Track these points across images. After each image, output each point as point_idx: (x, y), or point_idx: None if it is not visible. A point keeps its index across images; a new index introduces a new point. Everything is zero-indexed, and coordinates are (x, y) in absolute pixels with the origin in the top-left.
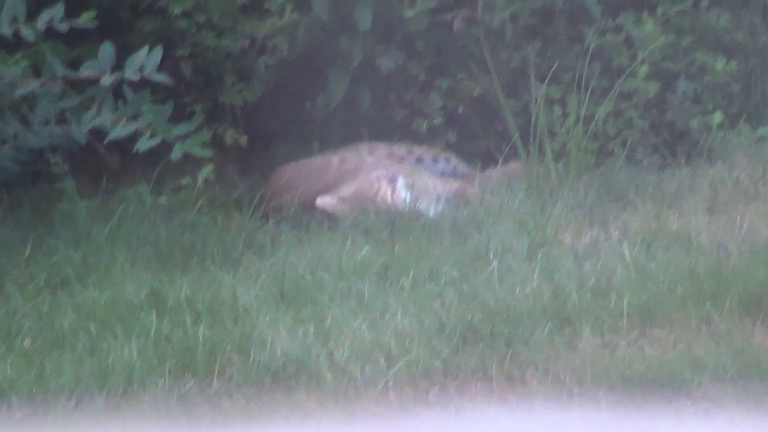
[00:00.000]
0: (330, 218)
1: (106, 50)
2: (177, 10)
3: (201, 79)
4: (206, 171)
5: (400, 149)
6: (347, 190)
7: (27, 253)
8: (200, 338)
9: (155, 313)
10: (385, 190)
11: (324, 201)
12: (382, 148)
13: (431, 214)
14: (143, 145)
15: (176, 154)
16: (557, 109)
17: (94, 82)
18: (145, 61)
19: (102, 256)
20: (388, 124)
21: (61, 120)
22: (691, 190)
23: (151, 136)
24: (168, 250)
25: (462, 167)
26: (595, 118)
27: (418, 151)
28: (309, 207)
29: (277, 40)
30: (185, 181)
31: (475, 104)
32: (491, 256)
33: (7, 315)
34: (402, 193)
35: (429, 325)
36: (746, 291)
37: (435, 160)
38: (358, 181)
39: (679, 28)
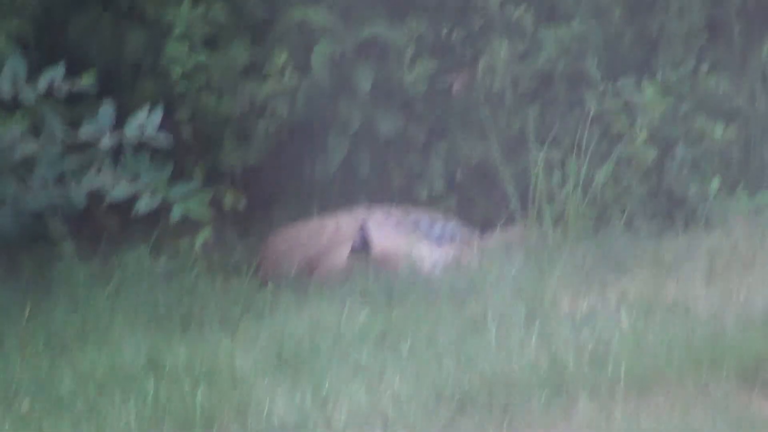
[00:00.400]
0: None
1: (106, 110)
2: (177, 73)
3: (200, 142)
4: (204, 234)
5: (397, 212)
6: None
7: (26, 316)
8: (198, 403)
9: (153, 378)
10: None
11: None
12: (379, 212)
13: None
14: (143, 206)
15: (176, 214)
16: (557, 174)
17: (93, 143)
18: (146, 121)
19: (101, 320)
20: (388, 189)
21: (61, 182)
22: (688, 258)
23: (151, 197)
24: (166, 314)
25: (460, 231)
26: (594, 183)
27: (415, 214)
28: (306, 271)
29: (277, 104)
30: (184, 244)
31: (474, 169)
32: (489, 322)
33: (5, 378)
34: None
35: (426, 391)
36: (744, 359)
37: (432, 224)
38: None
39: (679, 93)
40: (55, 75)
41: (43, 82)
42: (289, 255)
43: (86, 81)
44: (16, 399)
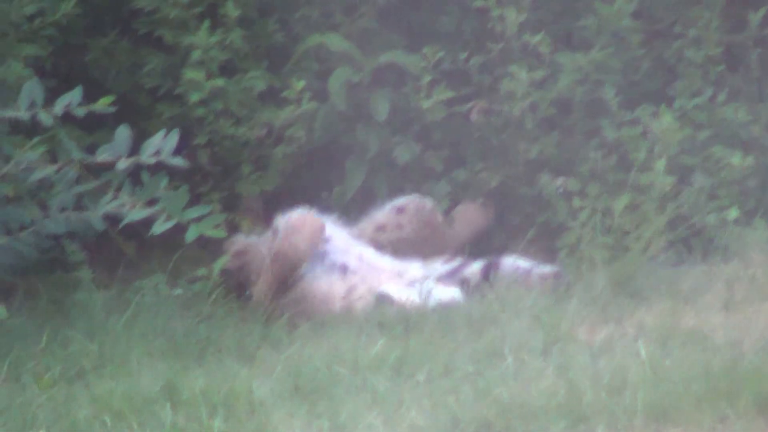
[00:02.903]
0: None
1: (123, 133)
2: (194, 98)
3: (218, 168)
4: (222, 262)
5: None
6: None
7: (43, 344)
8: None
9: (170, 406)
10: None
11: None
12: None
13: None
14: (158, 228)
15: (191, 236)
16: (576, 202)
17: (110, 167)
18: (162, 145)
19: (118, 348)
20: None
21: (79, 206)
22: (706, 287)
23: (166, 219)
24: (184, 342)
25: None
26: (612, 211)
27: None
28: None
29: (295, 130)
30: (201, 271)
31: (492, 196)
32: (506, 351)
33: (22, 406)
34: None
35: (443, 420)
36: (762, 390)
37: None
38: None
39: (696, 122)
40: (72, 98)
41: (59, 106)
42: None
43: (103, 104)
44: (33, 426)
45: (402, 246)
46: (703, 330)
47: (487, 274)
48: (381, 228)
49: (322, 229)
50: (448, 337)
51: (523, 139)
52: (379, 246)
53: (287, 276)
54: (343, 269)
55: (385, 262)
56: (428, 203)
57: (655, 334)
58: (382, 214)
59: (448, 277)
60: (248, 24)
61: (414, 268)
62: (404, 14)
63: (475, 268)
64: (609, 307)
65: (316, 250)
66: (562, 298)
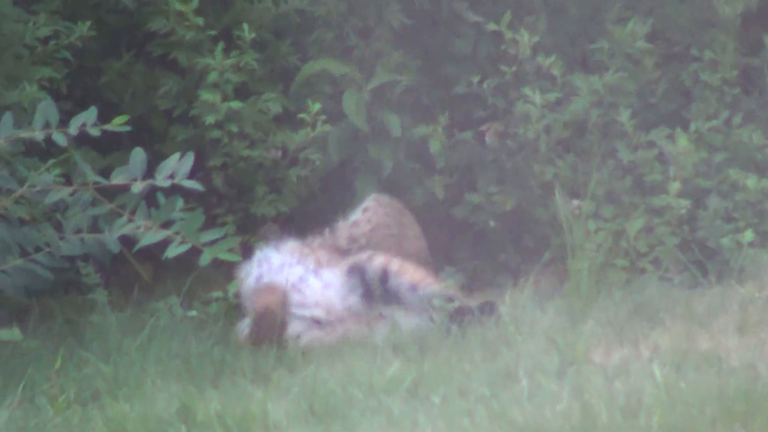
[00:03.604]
0: None
1: (137, 156)
2: (210, 120)
3: (233, 191)
4: (237, 284)
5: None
6: None
7: (58, 365)
8: None
9: (185, 428)
10: None
11: None
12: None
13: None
14: (172, 252)
15: (205, 260)
16: (590, 225)
17: (125, 189)
18: (176, 168)
19: (133, 370)
20: None
21: (94, 229)
22: (721, 309)
23: (181, 243)
24: (198, 364)
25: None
26: (627, 234)
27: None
28: None
29: (310, 152)
30: (216, 293)
31: (507, 217)
32: (521, 373)
33: (37, 428)
34: None
35: None
36: None
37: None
38: None
39: (712, 144)
40: (87, 118)
41: (74, 126)
42: None
43: (117, 123)
44: None
45: (376, 241)
46: (718, 352)
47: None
48: (354, 225)
49: (286, 298)
50: (463, 359)
51: (537, 162)
52: (356, 243)
53: (269, 336)
54: (317, 322)
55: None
56: (388, 198)
57: (670, 356)
58: (355, 214)
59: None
60: (262, 46)
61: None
62: (419, 37)
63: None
64: (624, 330)
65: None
66: (578, 319)
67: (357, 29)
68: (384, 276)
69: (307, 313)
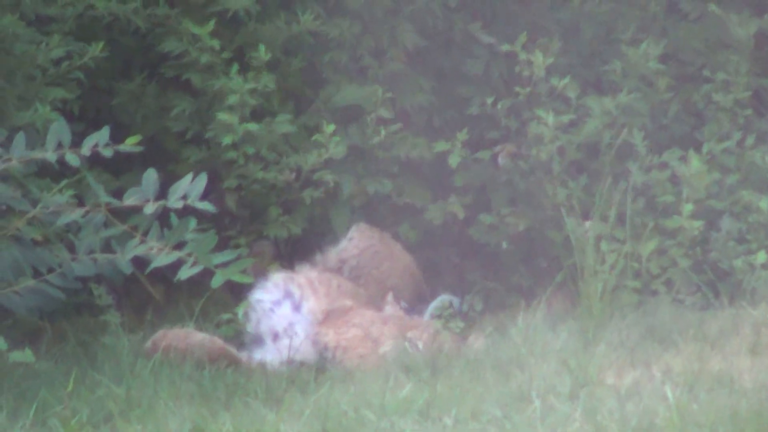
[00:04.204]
0: None
1: (150, 177)
2: (227, 141)
3: (245, 212)
4: (247, 305)
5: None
6: None
7: (70, 387)
8: None
9: None
10: None
11: None
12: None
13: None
14: (184, 273)
15: (217, 282)
16: (603, 246)
17: (137, 210)
18: (189, 189)
19: (145, 392)
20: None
21: (106, 249)
22: (734, 331)
23: (193, 265)
24: (211, 386)
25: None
26: (639, 256)
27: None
28: None
29: (323, 173)
30: (227, 315)
31: (519, 239)
32: (534, 395)
33: None
34: None
35: None
36: None
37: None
38: None
39: (724, 166)
40: (99, 139)
41: (86, 146)
42: None
43: (130, 143)
44: None
45: (365, 260)
46: (730, 374)
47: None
48: (343, 251)
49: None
50: (476, 381)
51: (550, 183)
52: (346, 264)
53: None
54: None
55: None
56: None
57: (682, 378)
58: (342, 243)
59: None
60: (274, 65)
61: None
62: (433, 58)
63: None
64: (636, 351)
65: None
66: (590, 341)
67: (371, 50)
68: None
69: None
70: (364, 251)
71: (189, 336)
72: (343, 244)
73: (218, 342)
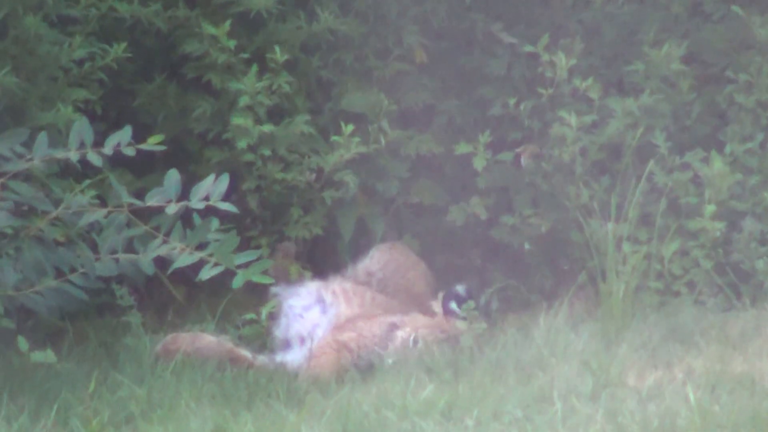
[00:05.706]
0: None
1: (172, 177)
2: (242, 145)
3: (267, 213)
4: (270, 306)
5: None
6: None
7: (92, 388)
8: None
9: None
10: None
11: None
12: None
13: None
14: (205, 274)
15: (238, 282)
16: (625, 247)
17: (159, 211)
18: (211, 189)
19: (167, 393)
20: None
21: (129, 250)
22: (756, 333)
23: (214, 265)
24: (232, 387)
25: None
26: (661, 257)
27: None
28: None
29: (344, 174)
30: (249, 315)
31: (542, 240)
32: (555, 396)
33: None
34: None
35: None
36: None
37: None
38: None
39: (747, 167)
40: (121, 138)
41: (109, 146)
42: None
43: (152, 143)
44: None
45: (390, 273)
46: (752, 375)
47: None
48: (369, 264)
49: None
50: (498, 382)
51: (572, 184)
52: (374, 276)
53: None
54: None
55: None
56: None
57: (704, 379)
58: (367, 259)
59: None
60: (292, 65)
61: None
62: (455, 58)
63: None
64: (658, 353)
65: None
66: (612, 342)
67: (375, 51)
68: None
69: None
70: (387, 264)
71: (197, 339)
72: (365, 261)
73: (227, 345)
